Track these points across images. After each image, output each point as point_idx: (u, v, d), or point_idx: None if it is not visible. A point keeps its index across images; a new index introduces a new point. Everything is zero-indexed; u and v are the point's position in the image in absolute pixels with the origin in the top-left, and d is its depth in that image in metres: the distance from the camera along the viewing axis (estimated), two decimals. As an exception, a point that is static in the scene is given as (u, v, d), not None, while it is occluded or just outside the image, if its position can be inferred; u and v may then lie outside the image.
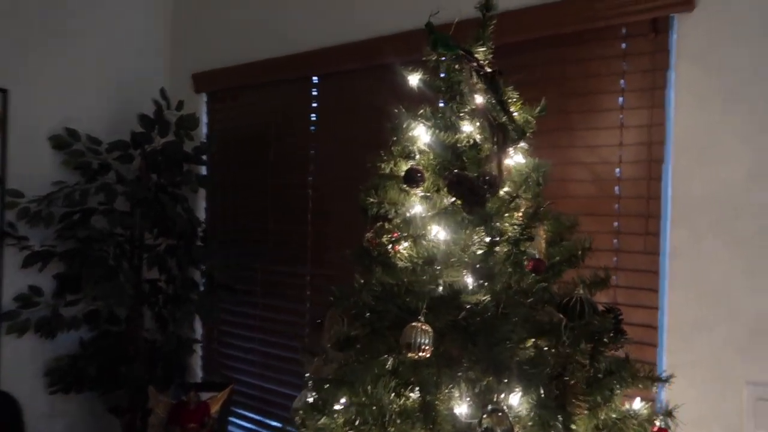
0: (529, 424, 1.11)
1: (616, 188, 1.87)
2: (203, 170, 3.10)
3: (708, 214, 1.72)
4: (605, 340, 1.23)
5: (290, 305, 2.76)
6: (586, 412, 1.16)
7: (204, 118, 3.16)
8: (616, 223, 1.86)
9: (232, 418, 2.85)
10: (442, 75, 1.43)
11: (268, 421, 2.82)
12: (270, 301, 2.85)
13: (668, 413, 1.27)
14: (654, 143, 1.81)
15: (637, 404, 1.32)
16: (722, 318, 1.69)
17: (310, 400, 1.52)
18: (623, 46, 1.87)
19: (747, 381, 1.64)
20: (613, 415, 1.25)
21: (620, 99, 1.87)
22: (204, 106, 3.17)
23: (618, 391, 1.22)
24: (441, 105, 1.46)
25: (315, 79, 2.70)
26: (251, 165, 2.93)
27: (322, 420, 1.28)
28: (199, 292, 2.86)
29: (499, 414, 1.06)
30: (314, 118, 2.73)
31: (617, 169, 1.87)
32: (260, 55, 2.83)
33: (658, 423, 1.22)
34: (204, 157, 2.95)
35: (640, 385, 1.25)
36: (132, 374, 2.71)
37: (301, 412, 1.44)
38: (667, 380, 1.24)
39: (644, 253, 1.81)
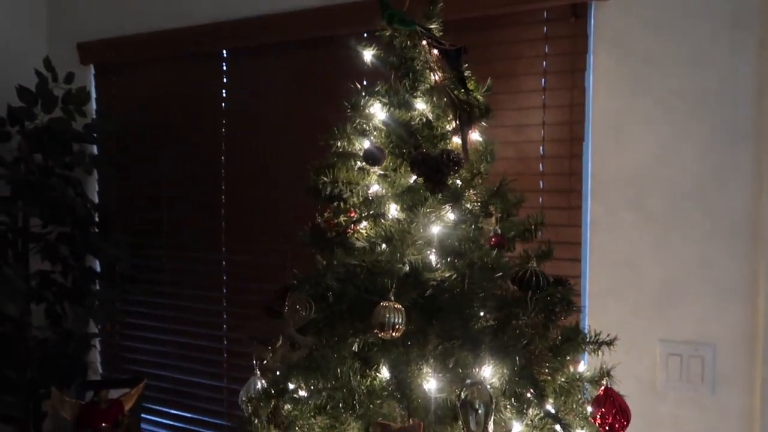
0: (503, 396, 1.15)
1: (541, 165, 1.97)
2: (96, 150, 2.82)
3: (622, 191, 1.87)
4: (557, 310, 1.29)
5: (205, 293, 2.62)
6: (549, 378, 1.22)
7: (93, 93, 2.87)
8: (541, 199, 1.96)
9: (144, 415, 2.67)
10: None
11: (183, 414, 2.68)
12: (181, 290, 2.68)
13: (607, 373, 1.37)
14: (575, 123, 1.92)
15: (581, 368, 1.41)
16: (635, 283, 1.86)
17: (261, 386, 1.46)
18: (545, 29, 1.96)
19: (659, 339, 1.82)
20: (563, 379, 1.33)
21: (543, 80, 1.96)
22: (93, 79, 2.88)
23: (571, 357, 1.29)
24: (386, 84, 1.44)
25: (225, 53, 2.55)
26: (152, 146, 2.71)
27: (288, 407, 1.23)
28: (101, 284, 2.62)
29: (479, 387, 1.09)
30: (225, 96, 2.58)
31: (541, 148, 1.97)
32: (159, 25, 2.61)
33: (604, 382, 1.31)
34: (96, 136, 2.69)
35: (588, 350, 1.34)
36: (23, 378, 2.44)
37: (253, 400, 1.38)
38: (611, 343, 1.33)
39: (568, 226, 1.93)
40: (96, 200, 2.83)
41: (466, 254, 1.21)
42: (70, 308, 2.58)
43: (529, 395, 1.15)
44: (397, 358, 1.19)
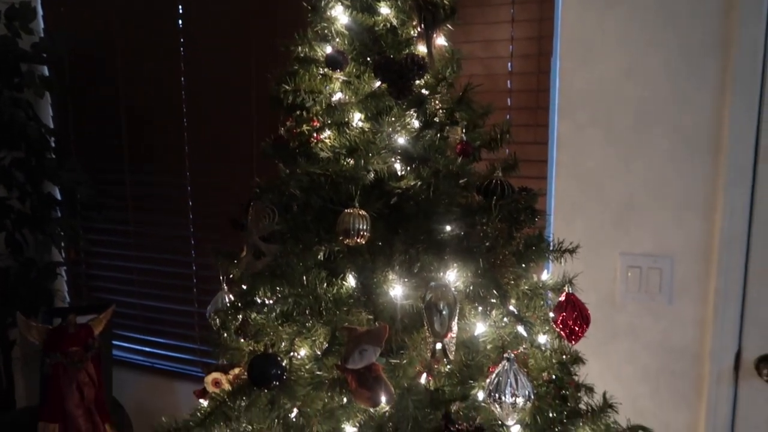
0: (467, 299, 1.17)
1: (508, 82, 1.94)
2: (47, 72, 2.68)
3: (589, 107, 1.86)
4: (522, 218, 1.30)
5: (170, 219, 2.58)
6: (512, 283, 1.25)
7: (40, 10, 2.70)
8: (508, 116, 1.95)
9: (116, 342, 2.68)
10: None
11: (155, 339, 2.69)
12: (146, 216, 2.64)
13: (569, 281, 1.40)
14: (543, 37, 1.88)
15: (544, 276, 1.45)
16: (598, 200, 1.88)
17: (228, 300, 1.46)
18: (515, -62, 1.88)
19: (620, 252, 1.87)
20: (526, 287, 1.36)
21: (512, -7, 1.90)
22: (39, -6, 2.70)
23: (535, 264, 1.32)
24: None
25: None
26: (109, 67, 2.58)
27: (254, 316, 1.24)
28: (61, 211, 2.55)
29: (443, 288, 1.10)
30: (181, 12, 2.45)
31: (509, 64, 1.93)
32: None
33: (566, 289, 1.34)
34: (46, 56, 2.54)
35: (551, 258, 1.36)
36: (-14, 307, 2.40)
37: (220, 313, 1.39)
38: (573, 251, 1.36)
39: (534, 143, 1.93)
40: (51, 125, 2.71)
41: (431, 162, 1.20)
42: (30, 235, 2.52)
43: (492, 299, 1.17)
44: (362, 264, 1.19)
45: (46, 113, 2.73)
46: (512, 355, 1.10)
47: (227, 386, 1.34)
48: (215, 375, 1.41)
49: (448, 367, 1.15)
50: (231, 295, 1.45)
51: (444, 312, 1.10)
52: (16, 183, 2.42)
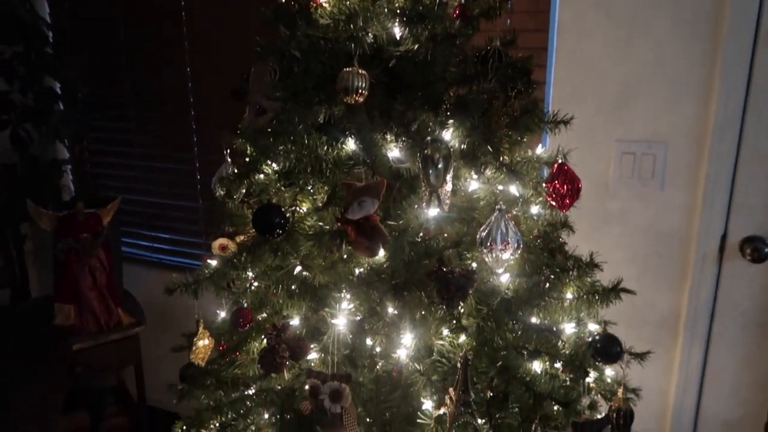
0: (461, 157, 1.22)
1: (511, -33, 1.91)
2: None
3: (591, -9, 1.84)
4: (519, 85, 1.32)
5: (172, 115, 2.60)
6: (507, 146, 1.29)
7: None
8: (510, 4, 1.92)
9: (124, 238, 2.76)
10: None
11: (162, 235, 2.78)
12: (147, 112, 2.66)
13: (564, 155, 1.43)
14: None
15: (539, 150, 1.48)
16: (596, 87, 1.90)
17: (232, 169, 1.51)
18: None
19: (615, 139, 1.90)
20: (519, 159, 1.40)
21: None
22: None
23: (531, 132, 1.35)
24: None
25: None
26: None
27: (258, 177, 1.29)
28: (63, 106, 2.57)
29: (439, 143, 1.14)
30: None
31: (512, -53, 1.90)
32: None
33: (559, 158, 1.38)
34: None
35: (548, 128, 1.39)
36: (-3, 203, 2.47)
37: (224, 180, 1.44)
38: (567, 122, 1.39)
39: (535, 31, 1.92)
40: (48, 20, 2.69)
41: (429, 23, 1.21)
42: (34, 131, 2.55)
43: (485, 156, 1.22)
44: (362, 122, 1.23)
45: (42, 8, 2.70)
46: (503, 206, 1.16)
47: (234, 250, 1.41)
48: (222, 240, 1.48)
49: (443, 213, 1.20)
50: (234, 166, 1.50)
51: (439, 165, 1.14)
52: (16, 76, 2.42)
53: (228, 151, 1.54)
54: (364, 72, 1.17)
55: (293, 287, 1.34)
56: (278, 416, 1.29)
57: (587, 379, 1.39)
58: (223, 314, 1.53)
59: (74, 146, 2.74)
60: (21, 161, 2.59)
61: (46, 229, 2.20)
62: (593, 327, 1.41)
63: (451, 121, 1.19)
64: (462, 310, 1.21)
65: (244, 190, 1.42)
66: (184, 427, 1.47)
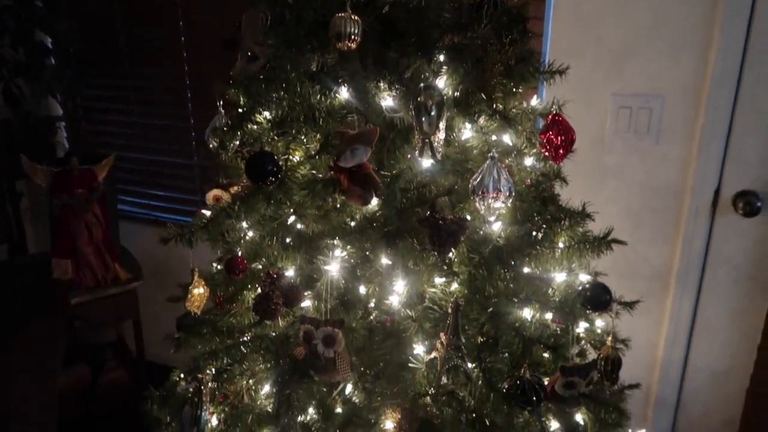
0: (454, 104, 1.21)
1: None
2: None
3: (592, -60, 1.80)
4: (514, 33, 1.31)
5: (166, 72, 2.57)
6: (501, 94, 1.28)
7: None
8: (508, -48, 1.88)
9: (120, 196, 2.76)
10: None
11: (158, 193, 2.78)
12: (140, 69, 2.63)
13: (558, 107, 1.42)
14: None
15: (533, 102, 1.47)
16: (595, 41, 1.87)
17: (225, 120, 1.50)
18: None
19: (612, 93, 1.89)
20: (514, 110, 1.39)
21: None
22: None
23: (525, 81, 1.34)
24: None
25: None
26: None
27: (250, 126, 1.28)
28: (56, 61, 2.54)
29: (431, 89, 1.13)
30: None
31: None
32: None
33: (554, 109, 1.37)
34: None
35: (543, 79, 1.38)
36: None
37: (218, 131, 1.43)
38: (564, 72, 1.37)
39: (533, -19, 1.88)
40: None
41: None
42: (27, 87, 2.53)
43: (480, 106, 1.21)
44: (355, 70, 1.21)
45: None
46: (496, 154, 1.16)
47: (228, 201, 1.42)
48: (216, 192, 1.48)
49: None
50: (227, 117, 1.49)
51: (432, 112, 1.13)
52: (7, 30, 2.38)
53: (221, 102, 1.53)
54: (356, 18, 1.16)
55: (288, 240, 1.35)
56: (273, 362, 1.31)
57: (577, 329, 1.41)
58: (218, 267, 1.55)
59: (67, 102, 2.71)
60: (14, 118, 2.57)
61: (41, 185, 2.20)
62: (584, 278, 1.42)
63: (444, 68, 1.18)
64: (454, 259, 1.22)
65: (237, 142, 1.42)
66: (182, 375, 1.50)
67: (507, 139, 1.30)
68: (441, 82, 1.21)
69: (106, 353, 2.63)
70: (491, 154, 1.16)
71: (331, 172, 1.20)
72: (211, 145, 1.50)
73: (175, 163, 2.69)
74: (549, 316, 1.34)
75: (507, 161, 1.35)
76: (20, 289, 2.21)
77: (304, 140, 1.25)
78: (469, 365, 1.16)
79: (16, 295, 2.17)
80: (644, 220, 1.96)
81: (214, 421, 1.35)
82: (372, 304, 1.33)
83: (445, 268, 1.18)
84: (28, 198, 2.70)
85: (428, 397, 1.25)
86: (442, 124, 1.15)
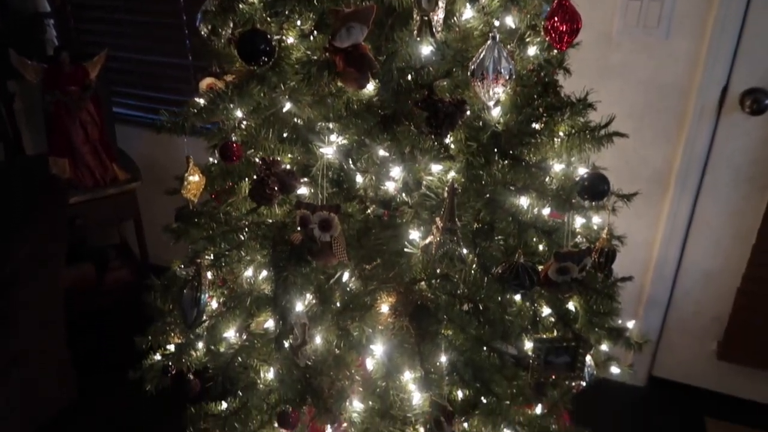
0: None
1: None
2: None
3: None
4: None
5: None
6: None
7: None
8: None
9: (115, 98, 2.71)
10: None
11: (151, 95, 2.72)
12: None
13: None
14: None
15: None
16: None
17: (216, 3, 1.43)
18: None
19: (623, -17, 1.80)
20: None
21: None
22: None
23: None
24: None
25: None
26: None
27: (242, 7, 1.22)
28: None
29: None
30: None
31: None
32: None
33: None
34: None
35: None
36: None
37: (209, 14, 1.37)
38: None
39: None
40: None
41: None
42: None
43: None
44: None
45: None
46: (497, 35, 1.11)
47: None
48: (209, 80, 1.45)
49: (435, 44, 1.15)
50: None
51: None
52: None
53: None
54: None
55: (284, 134, 1.33)
56: (270, 249, 1.33)
57: (573, 225, 1.42)
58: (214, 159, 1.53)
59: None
60: (0, 15, 2.48)
61: (32, 81, 2.15)
62: (583, 171, 1.41)
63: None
64: (451, 145, 1.21)
65: (229, 29, 1.37)
66: (182, 266, 1.53)
67: (510, 21, 1.25)
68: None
69: (110, 254, 2.67)
70: (492, 33, 1.11)
71: (326, 53, 1.16)
72: (203, 32, 1.45)
73: (169, 63, 2.61)
74: (546, 211, 1.34)
75: (509, 47, 1.30)
76: (20, 187, 2.21)
77: (299, 22, 1.20)
78: (464, 250, 1.17)
79: (15, 193, 2.17)
80: (647, 121, 1.92)
81: (214, 305, 1.38)
82: (370, 193, 1.32)
83: (443, 152, 1.17)
84: (21, 99, 2.65)
85: (423, 283, 1.28)
86: (441, 2, 1.10)
